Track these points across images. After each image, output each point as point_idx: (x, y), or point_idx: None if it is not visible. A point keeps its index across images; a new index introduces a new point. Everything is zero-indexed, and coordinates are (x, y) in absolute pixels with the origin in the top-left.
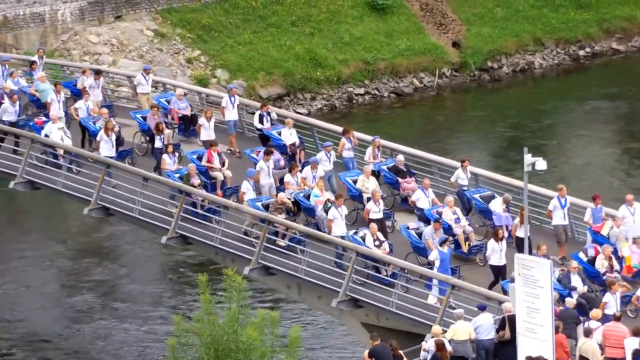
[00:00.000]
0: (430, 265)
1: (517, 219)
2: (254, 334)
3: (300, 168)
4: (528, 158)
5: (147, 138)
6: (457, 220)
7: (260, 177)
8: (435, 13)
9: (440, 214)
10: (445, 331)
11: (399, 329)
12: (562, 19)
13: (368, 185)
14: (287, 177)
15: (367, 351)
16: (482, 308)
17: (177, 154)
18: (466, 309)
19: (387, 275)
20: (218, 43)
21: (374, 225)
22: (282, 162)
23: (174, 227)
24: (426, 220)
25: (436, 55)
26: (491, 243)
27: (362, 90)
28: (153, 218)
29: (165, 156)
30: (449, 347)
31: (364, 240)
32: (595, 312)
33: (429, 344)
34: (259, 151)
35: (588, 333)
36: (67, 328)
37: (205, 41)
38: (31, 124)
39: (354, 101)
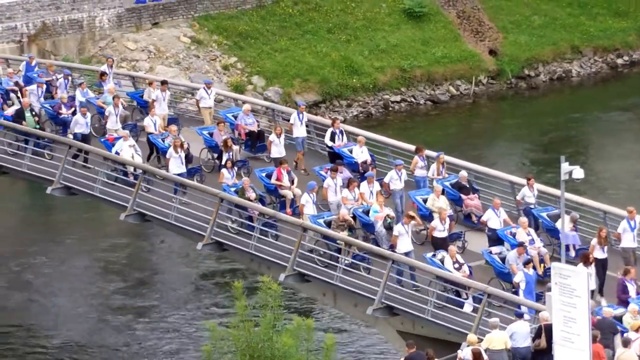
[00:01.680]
0: (515, 288)
1: (595, 240)
2: (290, 341)
3: (357, 183)
4: (565, 166)
5: (215, 154)
6: (532, 241)
7: (327, 194)
8: (472, 21)
9: (513, 234)
10: (480, 340)
11: (434, 337)
12: (599, 27)
13: (438, 204)
14: (345, 193)
15: (402, 359)
16: (520, 315)
17: (235, 168)
18: (502, 318)
19: (466, 299)
20: (254, 50)
21: (452, 248)
22: None
23: (210, 233)
24: (497, 241)
25: (473, 63)
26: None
27: (398, 98)
28: (189, 224)
29: (224, 170)
30: (485, 357)
31: (442, 262)
32: (634, 323)
33: (465, 353)
34: (328, 169)
35: (627, 343)
36: (102, 333)
37: (241, 48)
38: (102, 140)
39: (390, 108)
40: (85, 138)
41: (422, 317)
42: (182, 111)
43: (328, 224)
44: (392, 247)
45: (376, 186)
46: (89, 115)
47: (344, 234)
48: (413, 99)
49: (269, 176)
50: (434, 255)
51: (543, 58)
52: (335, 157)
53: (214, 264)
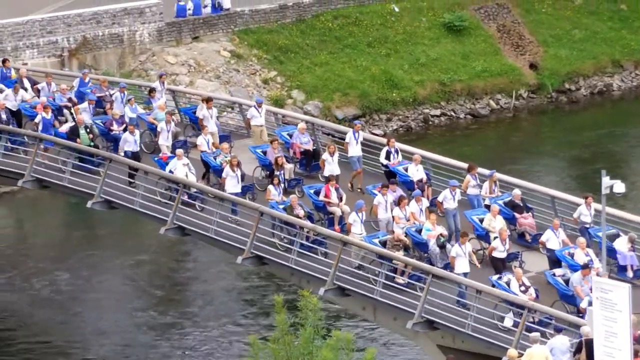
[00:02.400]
0: (580, 314)
1: None
2: (329, 355)
3: (408, 201)
4: (606, 181)
5: (267, 173)
6: (591, 262)
7: (378, 211)
8: (512, 35)
9: (572, 255)
10: (521, 355)
11: (475, 352)
12: None
13: (495, 224)
14: (396, 211)
15: None
16: (559, 330)
17: (282, 185)
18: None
19: (534, 322)
20: (294, 64)
21: (519, 271)
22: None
23: (250, 247)
24: (557, 262)
25: (513, 77)
26: None
27: (438, 112)
28: (229, 238)
29: (270, 187)
30: None
31: (508, 285)
32: None
33: None
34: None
35: None
36: (141, 345)
37: (281, 62)
38: (156, 159)
39: (430, 122)
40: (135, 156)
41: (462, 331)
42: (224, 126)
43: (383, 244)
44: (449, 267)
45: (424, 204)
46: (137, 133)
47: (399, 254)
48: (453, 113)
49: (317, 193)
50: (499, 278)
51: (584, 72)
52: (391, 176)
53: (254, 278)
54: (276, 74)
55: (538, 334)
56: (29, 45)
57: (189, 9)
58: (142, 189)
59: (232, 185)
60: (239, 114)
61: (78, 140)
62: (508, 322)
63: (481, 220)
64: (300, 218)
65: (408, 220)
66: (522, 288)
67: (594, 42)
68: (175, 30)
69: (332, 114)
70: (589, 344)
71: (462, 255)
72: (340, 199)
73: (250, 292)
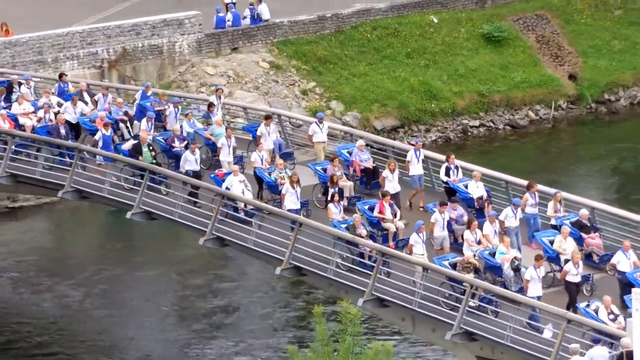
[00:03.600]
0: None
1: None
2: None
3: (478, 224)
4: None
5: (323, 190)
6: None
7: (434, 229)
8: (551, 45)
9: None
10: None
11: None
12: None
13: (565, 246)
14: (467, 234)
15: None
16: (597, 341)
17: (341, 202)
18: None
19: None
20: (333, 75)
21: (607, 298)
22: (465, 218)
23: (288, 258)
24: (628, 285)
25: (552, 88)
26: None
27: (476, 123)
28: (267, 249)
29: (331, 205)
30: None
31: (597, 313)
32: None
33: None
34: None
35: None
36: (178, 355)
37: (320, 73)
38: (212, 175)
39: (469, 133)
40: (196, 175)
41: (501, 342)
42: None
43: (453, 266)
44: (522, 291)
45: (498, 226)
46: (198, 152)
47: (469, 276)
48: (492, 124)
49: (371, 209)
50: (587, 305)
51: (623, 82)
52: (451, 193)
53: (293, 288)
54: (315, 85)
55: (578, 345)
56: (69, 57)
57: (228, 20)
58: (182, 199)
59: (292, 202)
60: (277, 125)
61: (140, 157)
62: (547, 333)
63: (551, 242)
64: (362, 237)
65: (479, 242)
66: (611, 316)
67: (633, 52)
68: (215, 41)
69: (371, 124)
70: (630, 355)
71: (536, 278)
72: (395, 215)
73: (291, 302)
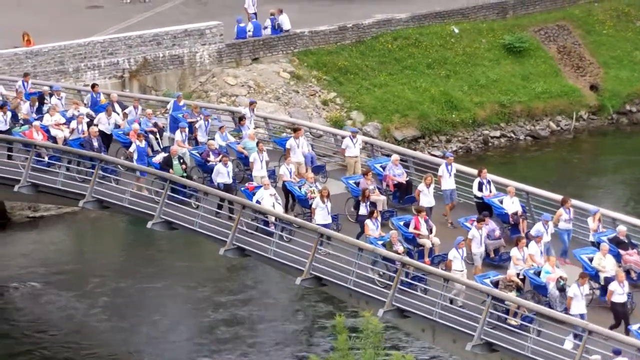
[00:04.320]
0: None
1: None
2: None
3: (526, 242)
4: None
5: (355, 204)
6: None
7: (472, 245)
8: (572, 56)
9: None
10: None
11: None
12: None
13: (605, 263)
14: (514, 252)
15: None
16: (618, 352)
17: (379, 219)
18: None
19: None
20: (354, 85)
21: None
22: (497, 232)
23: (309, 268)
24: None
25: (573, 99)
26: None
27: (497, 133)
28: (288, 259)
29: (368, 222)
30: None
31: None
32: None
33: None
34: (474, 220)
35: None
36: None
37: (341, 83)
38: (242, 189)
39: (490, 144)
40: (227, 188)
41: (522, 353)
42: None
43: (495, 284)
44: (566, 310)
45: (543, 245)
46: (230, 164)
47: (512, 295)
48: (513, 135)
49: (406, 225)
50: None
51: None
52: (484, 208)
53: (313, 298)
54: (335, 95)
55: (599, 356)
56: (90, 67)
57: (249, 31)
58: (203, 209)
59: (322, 216)
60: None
61: (171, 170)
62: (568, 344)
63: (590, 260)
64: (399, 254)
65: (526, 261)
66: None
67: None
68: (235, 51)
69: (391, 135)
70: None
71: (579, 295)
72: (430, 231)
73: (311, 312)
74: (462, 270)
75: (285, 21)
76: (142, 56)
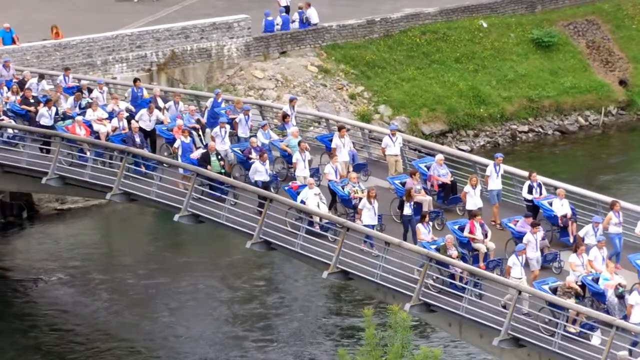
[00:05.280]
0: None
1: None
2: None
3: (585, 248)
4: None
5: (399, 204)
6: None
7: (527, 250)
8: (601, 51)
9: None
10: None
11: None
12: None
13: None
14: (573, 258)
15: None
16: None
17: (431, 223)
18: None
19: None
20: (381, 79)
21: None
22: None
23: (335, 262)
24: None
25: (602, 94)
26: None
27: (525, 128)
28: (314, 253)
29: (419, 226)
30: None
31: None
32: None
33: None
34: (517, 221)
35: None
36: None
37: (368, 77)
38: (286, 188)
39: (518, 139)
40: (265, 186)
41: (549, 349)
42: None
43: (554, 291)
44: (625, 318)
45: (605, 251)
46: (267, 162)
47: (571, 302)
48: (541, 129)
49: (461, 229)
50: None
51: None
52: (533, 210)
53: (340, 292)
54: (363, 89)
55: (626, 352)
56: (118, 60)
57: (277, 24)
58: (228, 203)
59: (369, 217)
60: (326, 129)
61: (209, 167)
62: (596, 340)
63: None
64: (453, 259)
65: (585, 267)
66: None
67: None
68: (263, 45)
69: (419, 129)
70: None
71: None
72: (485, 235)
73: (339, 305)
74: (521, 278)
75: (313, 15)
76: (170, 49)
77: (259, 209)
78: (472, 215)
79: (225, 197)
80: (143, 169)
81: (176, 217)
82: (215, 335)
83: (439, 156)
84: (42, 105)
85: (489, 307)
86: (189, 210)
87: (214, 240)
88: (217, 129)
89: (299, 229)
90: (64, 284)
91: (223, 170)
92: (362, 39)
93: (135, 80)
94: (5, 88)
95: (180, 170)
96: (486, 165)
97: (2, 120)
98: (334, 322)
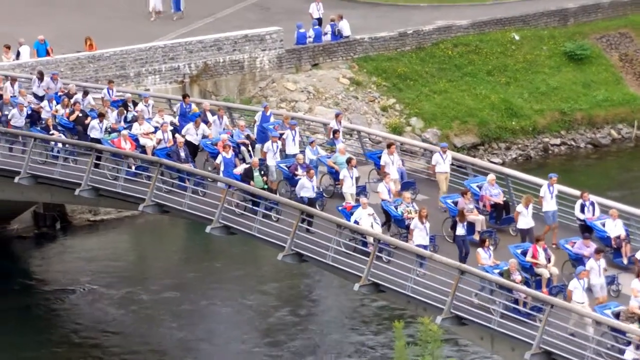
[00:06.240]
0: None
1: None
2: None
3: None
4: None
5: (452, 224)
6: None
7: (590, 276)
8: (634, 64)
9: None
10: None
11: None
12: None
13: None
14: (635, 284)
15: None
16: None
17: (491, 247)
18: None
19: None
20: (413, 91)
21: None
22: (587, 252)
23: (367, 274)
24: None
25: (635, 107)
26: None
27: (558, 141)
28: (345, 265)
29: (479, 250)
30: None
31: None
32: None
33: None
34: (574, 242)
35: None
36: None
37: (400, 89)
38: (340, 208)
39: (550, 151)
40: (311, 202)
41: None
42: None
43: (616, 315)
44: None
45: None
46: (315, 178)
47: (634, 327)
48: (573, 142)
49: (524, 253)
50: None
51: None
52: (586, 230)
53: (371, 304)
54: (395, 102)
55: None
56: (151, 71)
57: (309, 37)
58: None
59: (421, 237)
60: (357, 141)
61: (252, 182)
62: (629, 354)
63: None
64: (517, 284)
65: None
66: None
67: None
68: (295, 57)
69: (451, 141)
70: None
71: None
72: (549, 260)
73: (371, 317)
74: (583, 302)
75: (345, 27)
76: (203, 61)
77: (309, 228)
78: (535, 239)
79: (267, 212)
80: (187, 184)
81: (208, 229)
82: (245, 347)
83: (491, 176)
84: (90, 118)
85: (520, 320)
86: (221, 222)
87: (245, 252)
88: (268, 143)
89: (341, 245)
90: (96, 295)
91: (266, 186)
92: (394, 51)
93: (185, 96)
94: (54, 102)
95: (222, 185)
96: (539, 185)
97: (53, 134)
98: (364, 335)
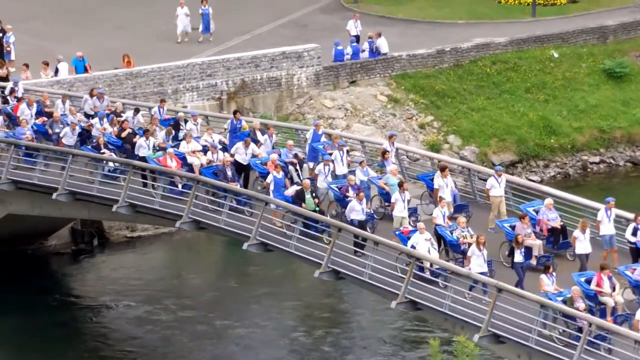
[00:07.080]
0: None
1: None
2: None
3: None
4: None
5: (509, 249)
6: None
7: None
8: None
9: None
10: None
11: None
12: None
13: None
14: None
15: None
16: None
17: (554, 274)
18: None
19: None
20: (451, 109)
21: None
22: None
23: (404, 292)
24: None
25: None
26: None
27: (597, 159)
28: (383, 282)
29: (543, 277)
30: None
31: None
32: None
33: None
34: (634, 269)
35: None
36: None
37: (438, 107)
38: (397, 233)
39: (589, 169)
40: (362, 224)
41: None
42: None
43: None
44: None
45: None
46: (364, 201)
47: None
48: (612, 160)
49: (588, 282)
50: None
51: None
52: (638, 254)
53: (408, 322)
54: (433, 119)
55: None
56: (189, 88)
57: (347, 54)
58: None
59: (478, 265)
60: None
61: (303, 205)
62: None
63: None
64: (581, 312)
65: None
66: None
67: None
68: (333, 74)
69: (489, 159)
70: None
71: None
72: (613, 289)
73: (406, 336)
74: None
75: (383, 44)
76: (240, 78)
77: (357, 249)
78: (600, 267)
79: (320, 234)
80: (235, 204)
81: (245, 246)
82: None
83: (548, 200)
84: (138, 137)
85: (559, 339)
86: (258, 239)
87: (282, 268)
88: (320, 166)
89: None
90: (133, 312)
91: (318, 208)
92: (432, 69)
93: (235, 112)
94: (105, 120)
95: (272, 206)
96: (597, 210)
97: (104, 153)
98: (402, 352)
